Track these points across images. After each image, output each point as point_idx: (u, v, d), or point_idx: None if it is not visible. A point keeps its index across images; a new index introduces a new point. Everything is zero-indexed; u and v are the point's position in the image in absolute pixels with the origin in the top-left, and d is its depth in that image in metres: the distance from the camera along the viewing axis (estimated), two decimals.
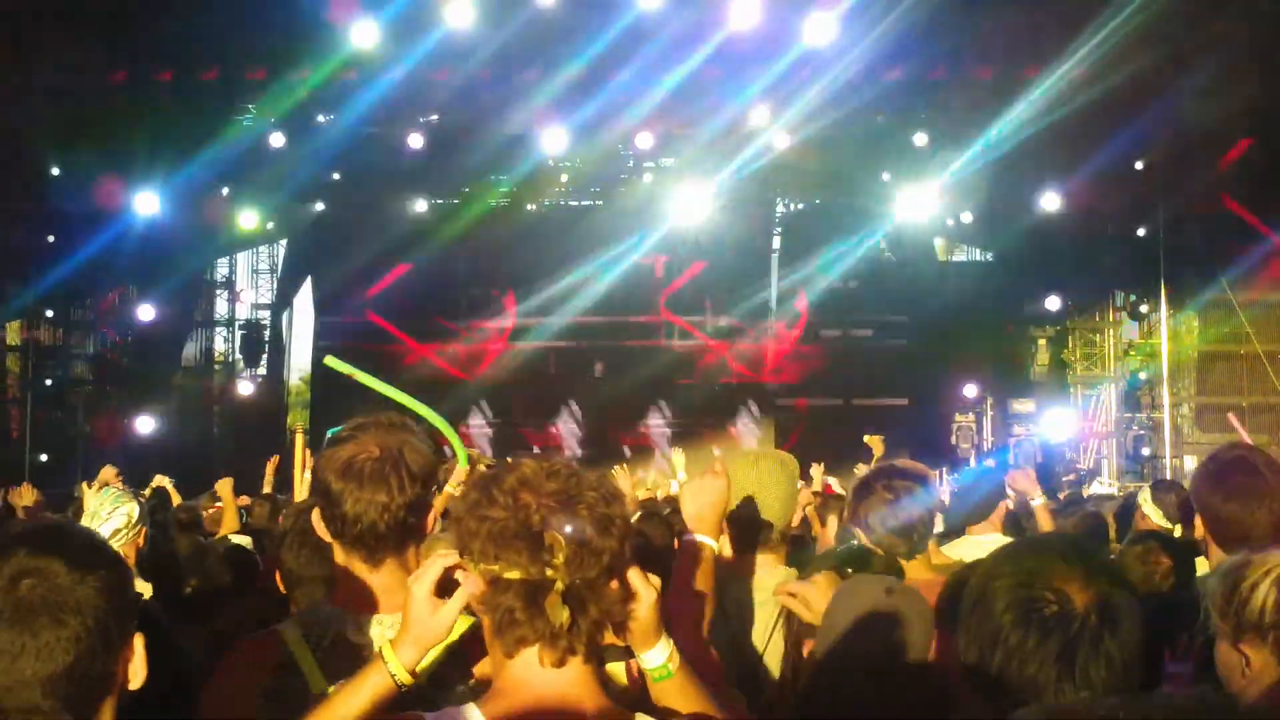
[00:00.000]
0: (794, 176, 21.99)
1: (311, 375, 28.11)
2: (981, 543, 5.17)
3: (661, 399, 25.50)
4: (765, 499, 3.79)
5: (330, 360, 3.79)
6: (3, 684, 1.87)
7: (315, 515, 2.80)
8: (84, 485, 8.79)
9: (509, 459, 2.20)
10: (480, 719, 2.11)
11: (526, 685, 2.09)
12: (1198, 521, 3.72)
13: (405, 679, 2.35)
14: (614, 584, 2.11)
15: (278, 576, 4.29)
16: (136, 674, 2.03)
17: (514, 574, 2.05)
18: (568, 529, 2.04)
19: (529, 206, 24.95)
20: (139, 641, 2.03)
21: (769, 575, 3.77)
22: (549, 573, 2.03)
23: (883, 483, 4.02)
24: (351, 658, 2.56)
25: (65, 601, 1.89)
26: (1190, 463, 22.96)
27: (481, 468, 3.22)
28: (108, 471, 8.72)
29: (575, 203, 25.65)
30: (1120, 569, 2.37)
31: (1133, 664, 2.09)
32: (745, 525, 3.75)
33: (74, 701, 1.91)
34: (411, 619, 2.37)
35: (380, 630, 2.63)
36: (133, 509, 5.32)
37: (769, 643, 3.64)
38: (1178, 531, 6.10)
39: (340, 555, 2.77)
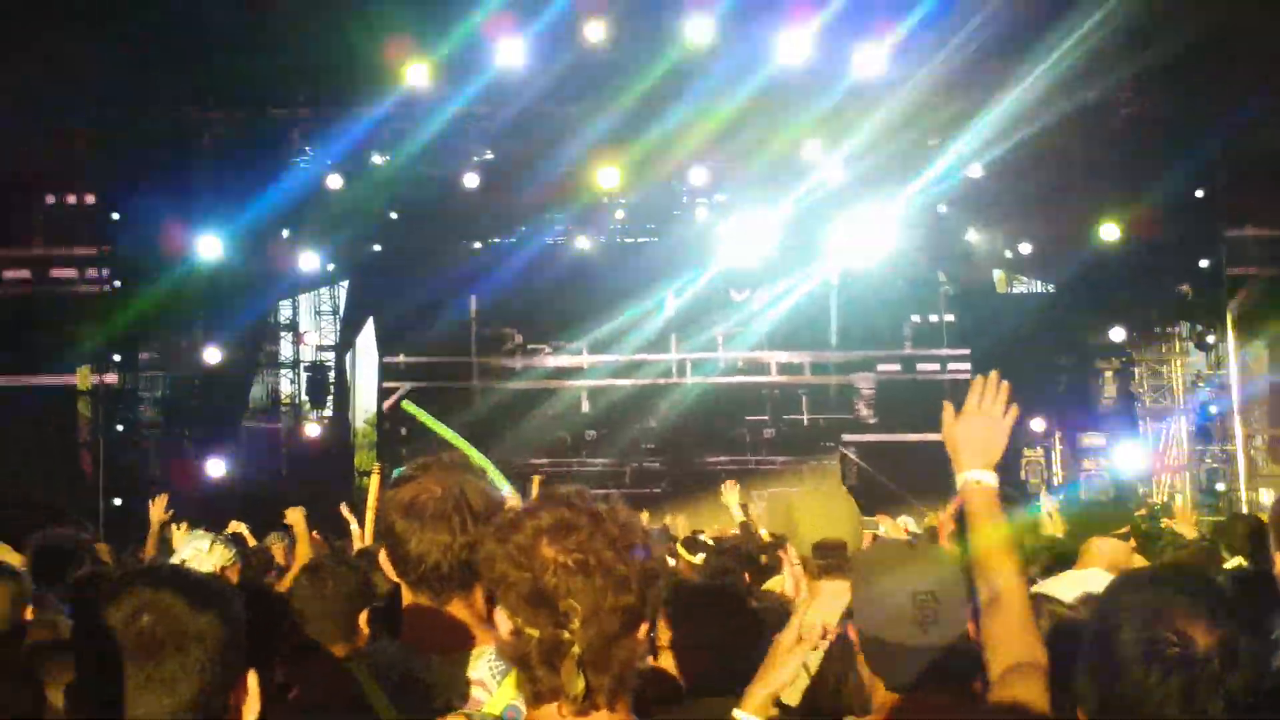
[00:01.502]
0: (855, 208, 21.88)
1: (377, 416, 28.33)
2: (1085, 579, 5.04)
3: (731, 435, 25.46)
4: (837, 527, 3.94)
5: (407, 404, 3.94)
6: (131, 717, 1.90)
7: (382, 555, 2.84)
8: (174, 527, 8.84)
9: (529, 502, 2.19)
10: None
11: None
12: (1276, 558, 3.59)
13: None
14: (639, 633, 2.10)
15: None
16: (251, 710, 2.07)
17: (532, 631, 2.05)
18: (583, 592, 2.03)
19: (582, 243, 25.07)
20: (252, 679, 2.08)
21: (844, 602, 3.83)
22: (565, 635, 2.02)
23: None
24: (420, 695, 2.60)
25: (186, 631, 1.93)
26: (1266, 496, 22.54)
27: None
28: (295, 513, 8.74)
29: (630, 239, 25.73)
30: (1244, 606, 2.32)
31: (1255, 707, 2.05)
32: (828, 552, 3.89)
33: None
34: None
35: (485, 665, 2.64)
36: (227, 548, 5.48)
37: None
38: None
39: (408, 595, 2.80)
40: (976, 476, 3.04)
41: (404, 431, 25.24)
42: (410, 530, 2.70)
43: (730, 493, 11.02)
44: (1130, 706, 2.08)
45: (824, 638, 3.06)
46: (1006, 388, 3.23)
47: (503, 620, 2.10)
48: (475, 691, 2.59)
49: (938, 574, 2.76)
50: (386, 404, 26.52)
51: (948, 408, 3.21)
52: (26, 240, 21.10)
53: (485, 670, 2.62)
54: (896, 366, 25.95)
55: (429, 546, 2.68)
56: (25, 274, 21.32)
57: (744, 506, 10.98)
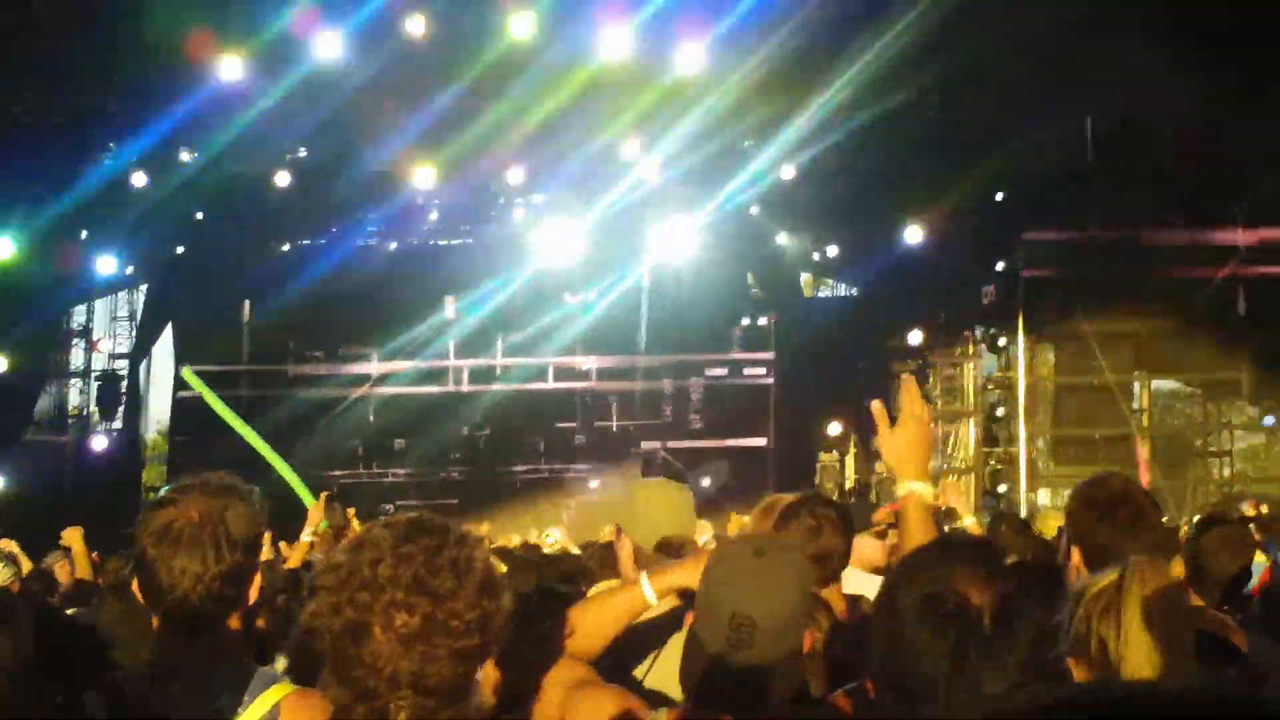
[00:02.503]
0: (669, 210, 22.05)
1: (170, 428, 27.38)
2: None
3: (540, 441, 25.34)
4: (683, 524, 4.00)
5: (187, 373, 3.75)
6: None
7: (134, 583, 2.73)
8: None
9: (366, 569, 2.07)
10: None
11: None
12: (1074, 552, 3.72)
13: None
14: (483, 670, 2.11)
15: None
16: None
17: (357, 709, 2.03)
18: (412, 684, 2.00)
19: (393, 245, 24.75)
20: None
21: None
22: (391, 708, 2.01)
23: (807, 510, 4.16)
24: None
25: None
26: (1044, 497, 23.45)
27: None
28: (73, 534, 8.36)
29: (445, 241, 25.49)
30: (1025, 573, 2.46)
31: (1027, 666, 2.11)
32: (672, 552, 3.87)
33: None
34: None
35: (227, 695, 2.56)
36: (5, 566, 5.28)
37: (653, 663, 3.62)
38: None
39: (155, 621, 2.70)
40: (917, 488, 3.12)
41: (197, 445, 24.45)
42: (161, 558, 2.60)
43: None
44: (907, 663, 2.15)
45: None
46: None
47: (327, 681, 2.08)
48: None
49: (768, 598, 2.69)
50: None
51: (880, 414, 3.25)
52: None
53: (226, 702, 2.54)
54: (721, 370, 26.03)
55: (178, 577, 2.58)
56: None
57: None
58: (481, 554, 2.10)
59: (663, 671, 3.40)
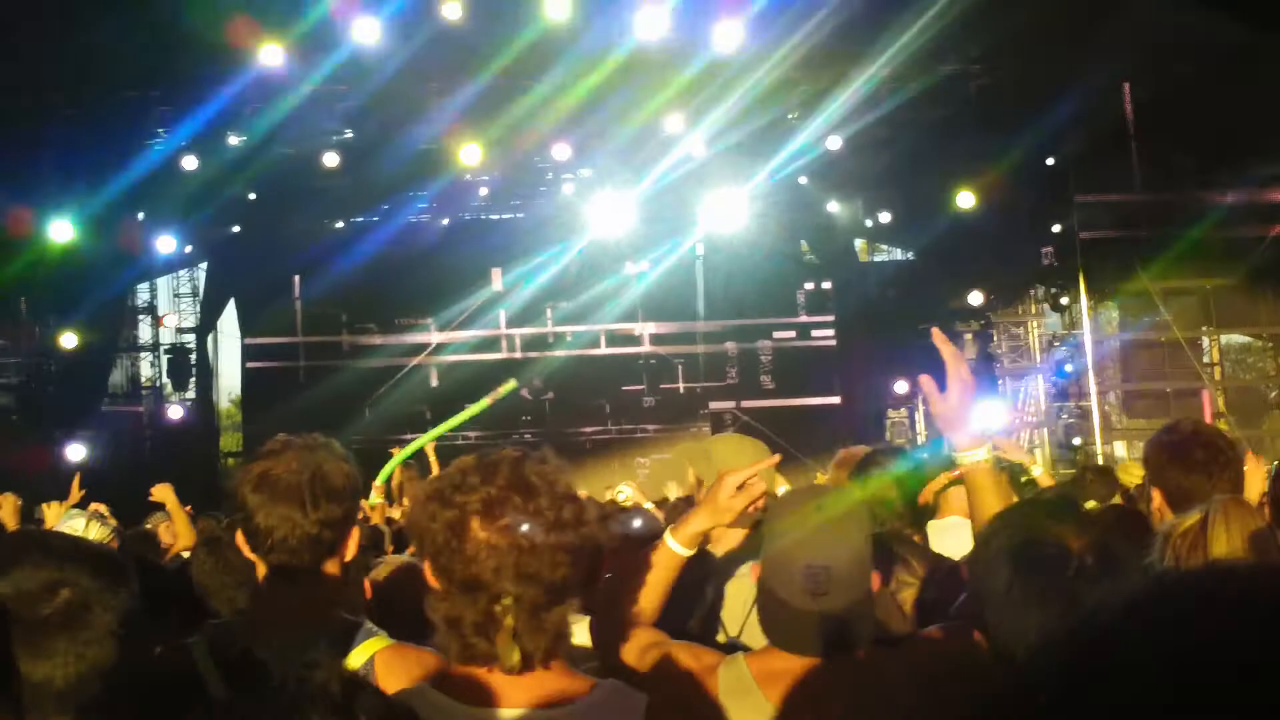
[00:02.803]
0: (718, 182, 21.96)
1: (241, 397, 27.92)
2: (946, 527, 5.13)
3: (607, 405, 25.51)
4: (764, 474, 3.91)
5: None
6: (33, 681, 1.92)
7: (238, 534, 2.80)
8: (43, 506, 8.58)
9: (457, 479, 2.17)
10: (444, 700, 2.13)
11: (483, 679, 2.12)
12: (1155, 494, 3.86)
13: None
14: (572, 598, 2.15)
15: None
16: None
17: (467, 613, 2.07)
18: (513, 570, 2.05)
19: (445, 220, 24.90)
20: None
21: (744, 550, 3.87)
22: (497, 610, 2.05)
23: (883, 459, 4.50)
24: (255, 672, 2.53)
25: (97, 602, 1.98)
26: (1120, 448, 23.19)
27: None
28: (164, 490, 8.50)
29: (495, 215, 25.62)
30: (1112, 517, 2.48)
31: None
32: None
33: None
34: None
35: (323, 642, 2.60)
36: (103, 525, 5.43)
37: (748, 616, 3.70)
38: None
39: (260, 569, 2.76)
40: (977, 456, 3.14)
41: (270, 411, 24.89)
42: (260, 504, 2.67)
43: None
44: (1009, 611, 2.18)
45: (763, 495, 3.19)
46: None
47: (432, 578, 2.12)
48: (309, 674, 2.57)
49: (837, 546, 2.76)
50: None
51: (928, 383, 3.29)
52: None
53: (324, 650, 2.58)
54: (789, 333, 26.10)
55: (277, 521, 2.65)
56: None
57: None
58: (561, 471, 2.21)
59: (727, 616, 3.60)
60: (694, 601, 3.63)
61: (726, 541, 3.93)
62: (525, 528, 2.07)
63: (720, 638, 3.66)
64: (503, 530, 2.05)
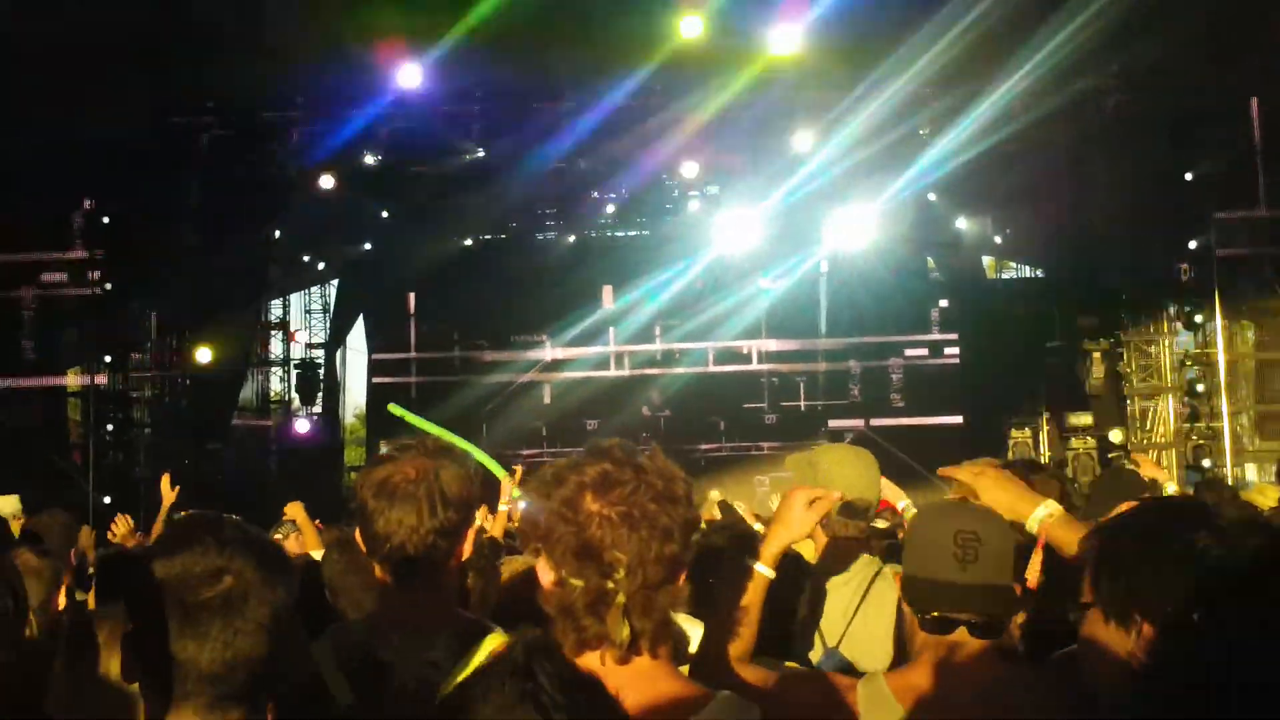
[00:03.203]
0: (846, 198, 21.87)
1: (366, 413, 28.30)
2: None
3: (722, 422, 25.52)
4: (867, 488, 3.92)
5: (393, 407, 3.93)
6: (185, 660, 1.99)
7: (357, 532, 2.85)
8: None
9: (569, 462, 2.22)
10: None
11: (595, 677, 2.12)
12: None
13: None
14: (679, 580, 2.17)
15: None
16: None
17: (578, 582, 2.10)
18: (627, 543, 2.09)
19: (571, 238, 25.12)
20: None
21: (856, 559, 3.90)
22: (610, 585, 2.08)
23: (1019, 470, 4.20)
24: (378, 676, 2.62)
25: (258, 595, 2.03)
26: (1251, 472, 22.69)
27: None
28: (295, 507, 8.71)
29: (622, 233, 25.76)
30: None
31: None
32: (854, 513, 3.89)
33: None
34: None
35: (443, 647, 2.61)
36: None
37: (848, 627, 3.74)
38: None
39: (378, 571, 2.81)
40: (1041, 514, 3.08)
41: (394, 426, 25.16)
42: (379, 509, 2.71)
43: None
44: (1138, 595, 2.18)
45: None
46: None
47: (545, 571, 2.15)
48: (433, 674, 2.54)
49: (985, 520, 2.81)
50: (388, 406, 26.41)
51: (958, 478, 3.31)
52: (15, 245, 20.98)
53: (443, 652, 2.59)
54: (920, 350, 26.01)
55: (395, 527, 2.69)
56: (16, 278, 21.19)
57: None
58: (668, 460, 2.26)
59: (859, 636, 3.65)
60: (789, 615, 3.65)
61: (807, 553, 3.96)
62: (634, 497, 2.12)
63: (816, 652, 3.70)
64: (615, 501, 2.10)
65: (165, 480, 8.80)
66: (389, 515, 2.70)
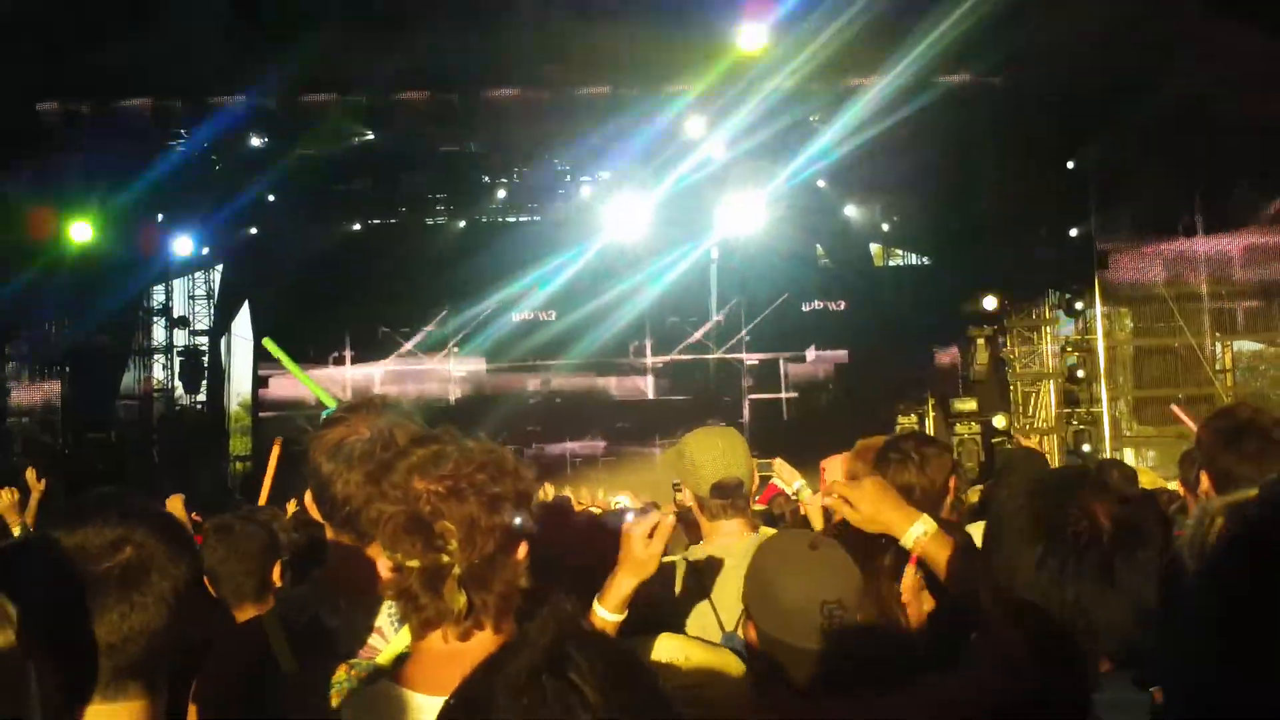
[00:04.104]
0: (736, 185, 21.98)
1: (252, 400, 27.90)
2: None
3: (603, 414, 25.63)
4: (734, 465, 3.89)
5: (267, 342, 3.88)
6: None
7: (308, 496, 2.81)
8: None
9: (400, 443, 2.25)
10: (398, 690, 2.14)
11: (438, 656, 2.13)
12: (1203, 477, 3.81)
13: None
14: (518, 553, 2.15)
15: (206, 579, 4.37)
16: None
17: (413, 563, 2.08)
18: (457, 514, 2.08)
19: (462, 223, 25.00)
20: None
21: (738, 540, 3.85)
22: (444, 559, 2.07)
23: (912, 444, 4.25)
24: (323, 641, 2.58)
25: (161, 567, 1.98)
26: (1129, 456, 23.19)
27: None
28: (175, 502, 8.54)
29: (513, 219, 25.67)
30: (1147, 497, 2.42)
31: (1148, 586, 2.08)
32: (727, 491, 3.86)
33: None
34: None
35: (387, 613, 2.62)
36: None
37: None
38: None
39: (331, 535, 2.77)
40: (917, 532, 3.02)
41: (278, 416, 24.89)
42: (336, 473, 2.67)
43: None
44: (1030, 589, 2.13)
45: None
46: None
47: (383, 561, 2.13)
48: (373, 639, 2.59)
49: (842, 582, 2.75)
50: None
51: (837, 484, 3.20)
52: None
53: (386, 618, 2.61)
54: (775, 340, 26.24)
55: (354, 490, 2.63)
56: None
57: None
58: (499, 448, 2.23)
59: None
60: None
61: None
62: (460, 470, 2.12)
63: (714, 638, 3.63)
64: (443, 475, 2.10)
65: (31, 473, 8.54)
66: (347, 478, 2.65)
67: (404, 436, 2.67)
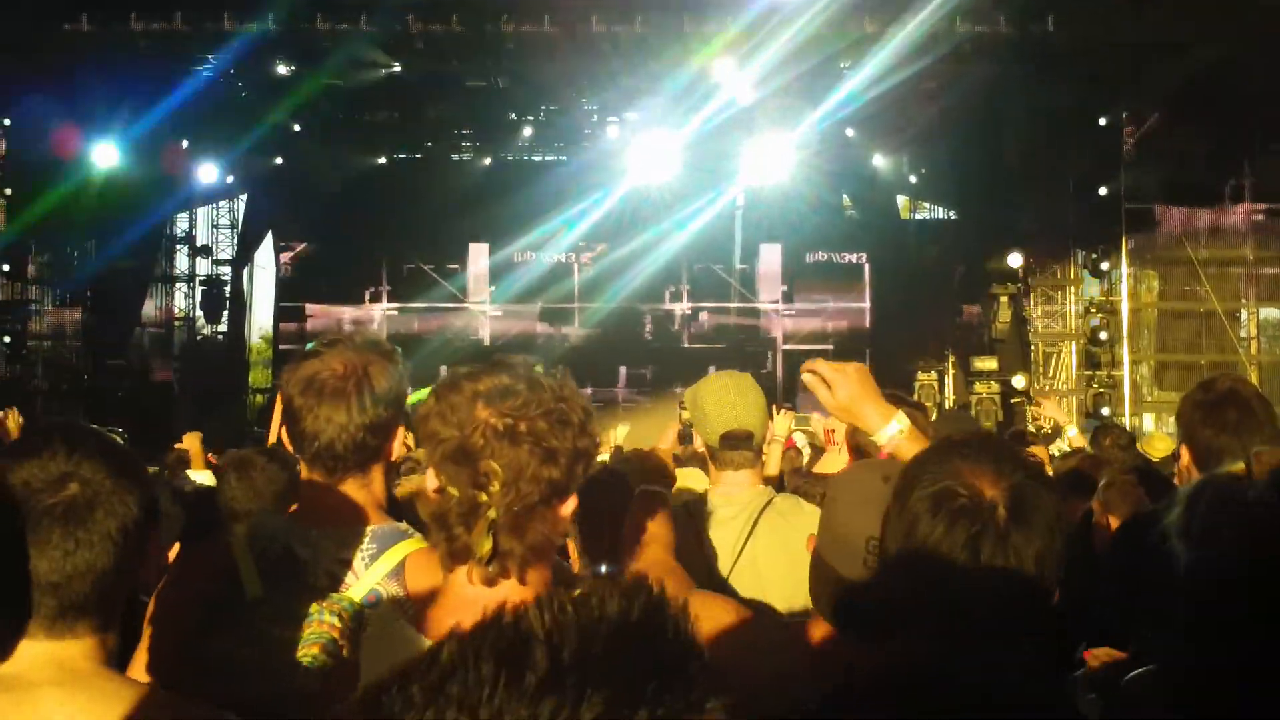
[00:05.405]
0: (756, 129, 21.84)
1: (273, 333, 27.97)
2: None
3: (629, 360, 25.66)
4: (745, 416, 3.84)
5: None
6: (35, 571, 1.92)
7: (283, 430, 2.79)
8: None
9: (466, 370, 2.13)
10: (414, 634, 2.10)
11: (460, 601, 2.08)
12: (1183, 451, 3.78)
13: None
14: (561, 508, 2.07)
15: None
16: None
17: (454, 491, 2.03)
18: (506, 457, 2.00)
19: (487, 160, 24.92)
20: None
21: (743, 490, 3.82)
22: (483, 497, 2.00)
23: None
24: (293, 570, 2.56)
25: (108, 501, 1.95)
26: (1148, 421, 23.10)
27: None
28: (192, 439, 8.50)
29: (539, 157, 25.60)
30: (1040, 467, 2.36)
31: (1045, 557, 2.04)
32: (736, 442, 3.82)
33: None
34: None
35: (359, 547, 2.61)
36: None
37: (735, 561, 3.67)
38: None
39: (304, 469, 2.74)
40: (892, 431, 2.95)
41: (301, 347, 24.97)
42: (306, 406, 2.64)
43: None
44: (922, 559, 2.09)
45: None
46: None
47: (431, 477, 2.08)
48: (344, 573, 2.56)
49: None
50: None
51: (813, 382, 3.07)
52: None
53: (358, 554, 2.59)
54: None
55: (324, 424, 2.62)
56: None
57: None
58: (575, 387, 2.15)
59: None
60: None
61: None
62: (524, 411, 2.03)
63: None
64: (504, 412, 2.02)
65: (13, 415, 8.20)
66: (317, 412, 2.62)
67: (380, 376, 2.68)
